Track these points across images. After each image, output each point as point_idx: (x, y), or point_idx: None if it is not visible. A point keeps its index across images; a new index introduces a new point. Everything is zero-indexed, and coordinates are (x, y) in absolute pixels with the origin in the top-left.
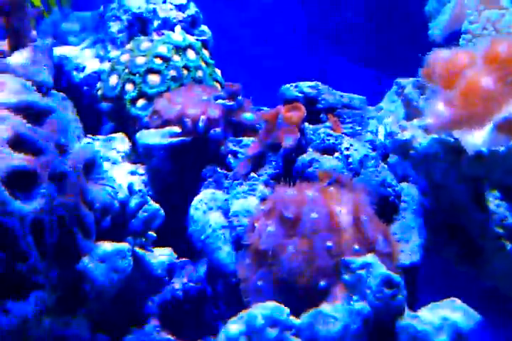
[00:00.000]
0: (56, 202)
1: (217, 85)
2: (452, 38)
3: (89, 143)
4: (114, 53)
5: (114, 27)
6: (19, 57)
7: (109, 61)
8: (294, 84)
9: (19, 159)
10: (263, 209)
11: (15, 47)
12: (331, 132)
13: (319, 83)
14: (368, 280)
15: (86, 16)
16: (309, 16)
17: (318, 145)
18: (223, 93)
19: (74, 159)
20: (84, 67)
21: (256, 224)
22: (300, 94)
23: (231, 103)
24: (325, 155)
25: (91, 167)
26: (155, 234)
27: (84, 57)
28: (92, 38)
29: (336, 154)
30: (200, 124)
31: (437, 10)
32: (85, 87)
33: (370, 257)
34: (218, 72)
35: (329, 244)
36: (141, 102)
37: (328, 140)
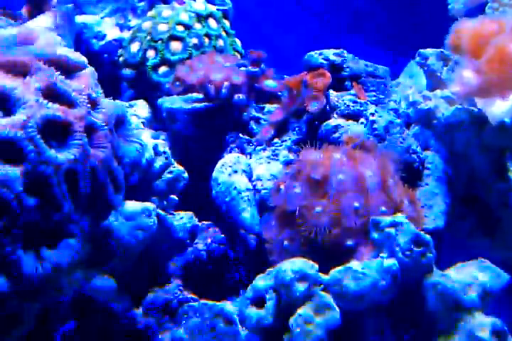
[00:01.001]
0: (89, 153)
1: (238, 55)
2: (473, 14)
3: None
4: (134, 22)
5: None
6: (42, 22)
7: (129, 29)
8: (318, 52)
9: (54, 109)
10: (288, 172)
11: (36, 13)
12: (356, 99)
13: (344, 51)
14: (397, 238)
15: None
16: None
17: (343, 112)
18: (246, 60)
19: (105, 113)
20: (104, 35)
21: (281, 187)
22: (325, 61)
23: (255, 69)
24: (350, 121)
25: (120, 123)
26: (177, 198)
27: (104, 26)
28: (112, 6)
29: (361, 120)
30: (224, 90)
31: None
32: (105, 55)
33: (399, 216)
34: (238, 42)
35: (356, 204)
36: (163, 69)
37: (353, 106)
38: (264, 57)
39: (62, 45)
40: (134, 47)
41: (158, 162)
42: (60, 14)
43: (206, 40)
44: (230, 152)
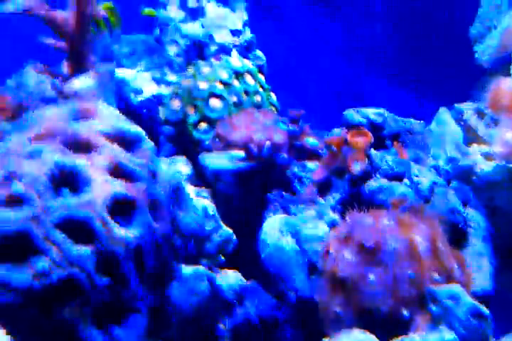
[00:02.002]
0: (153, 228)
1: (274, 109)
2: (499, 63)
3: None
4: (171, 77)
5: (172, 51)
6: (84, 82)
7: (167, 85)
8: (357, 110)
9: (120, 186)
10: (337, 235)
11: (76, 70)
12: (398, 159)
13: (383, 109)
14: (456, 311)
15: (136, 39)
16: (349, 39)
17: (386, 172)
18: (285, 118)
19: (164, 185)
20: (141, 91)
21: (330, 251)
22: (364, 120)
23: (295, 128)
24: (394, 182)
25: (178, 193)
26: (223, 257)
27: (141, 81)
28: (148, 61)
29: (405, 181)
30: (265, 149)
31: (482, 34)
32: (144, 110)
33: (456, 287)
34: (273, 96)
35: (410, 273)
36: (203, 126)
37: (396, 166)
38: (302, 115)
39: (121, 119)
40: (175, 104)
41: (209, 225)
42: (101, 73)
43: (244, 96)
44: (274, 211)
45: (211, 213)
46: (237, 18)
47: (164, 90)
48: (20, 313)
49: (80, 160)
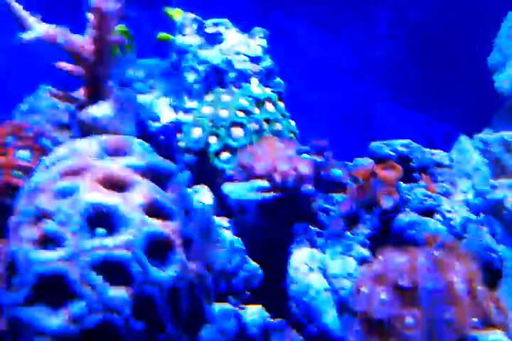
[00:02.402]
0: (187, 268)
1: (293, 136)
2: None
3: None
4: (190, 104)
5: (190, 77)
6: (104, 109)
7: (185, 111)
8: (384, 142)
9: (157, 226)
10: (369, 273)
11: (93, 95)
12: (428, 192)
13: (411, 141)
14: None
15: (151, 64)
16: (358, 61)
17: (417, 206)
18: (308, 147)
19: (196, 222)
20: (159, 117)
21: (362, 289)
22: (392, 153)
23: (321, 160)
24: (425, 217)
25: (208, 227)
26: (247, 292)
27: (158, 107)
28: (164, 86)
29: (437, 216)
30: (290, 180)
31: (502, 63)
32: (161, 136)
33: (498, 334)
34: (293, 123)
35: (449, 316)
36: (225, 155)
37: (426, 201)
38: (327, 145)
39: (150, 149)
40: (197, 132)
41: (235, 259)
42: (121, 100)
43: (265, 124)
44: (299, 243)
45: (238, 247)
46: (257, 45)
47: (182, 117)
48: None
49: (115, 199)
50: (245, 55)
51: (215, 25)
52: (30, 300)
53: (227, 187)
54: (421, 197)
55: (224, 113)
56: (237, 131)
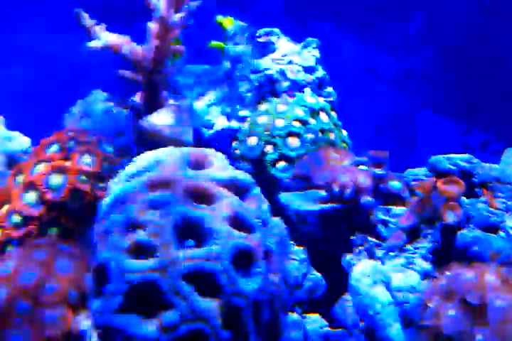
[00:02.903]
0: (269, 281)
1: (346, 146)
2: None
3: None
4: (243, 112)
5: (244, 86)
6: (165, 117)
7: (238, 120)
8: (446, 156)
9: (242, 238)
10: (436, 288)
11: (150, 102)
12: (491, 209)
13: (472, 156)
14: None
15: (198, 70)
16: (399, 69)
17: (480, 222)
18: (366, 158)
19: (275, 235)
20: (212, 124)
21: (429, 304)
22: (454, 167)
23: (381, 172)
24: (488, 234)
25: (282, 239)
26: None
27: (211, 114)
28: (214, 94)
29: (501, 233)
30: (349, 191)
31: None
32: (216, 143)
33: None
34: (345, 133)
35: None
36: (281, 164)
37: (490, 217)
38: (387, 157)
39: (230, 166)
40: (252, 141)
41: (302, 270)
42: (180, 109)
43: (320, 134)
44: (358, 255)
45: (302, 257)
46: (310, 55)
47: (235, 124)
48: None
49: (203, 211)
50: (298, 64)
51: (267, 34)
52: (123, 308)
53: (285, 197)
54: (484, 213)
55: (280, 122)
56: (294, 141)
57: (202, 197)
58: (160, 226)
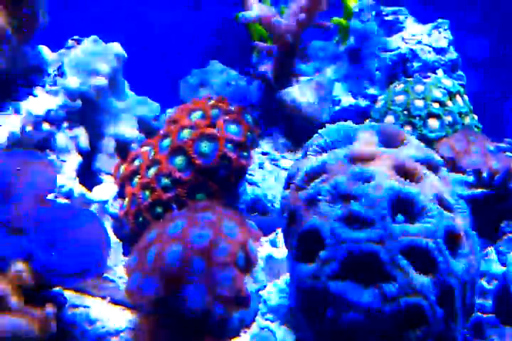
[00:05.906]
0: (472, 264)
1: (478, 131)
2: None
3: None
4: (371, 90)
5: (372, 64)
6: (305, 93)
7: (365, 97)
8: None
9: (451, 219)
10: None
11: (280, 75)
12: None
13: None
14: None
15: (316, 45)
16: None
17: None
18: (507, 145)
19: (465, 217)
20: (339, 101)
21: None
22: None
23: None
24: None
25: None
26: None
27: (335, 90)
28: (337, 70)
29: None
30: (498, 177)
31: None
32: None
33: None
34: (476, 117)
35: None
36: None
37: None
38: None
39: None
40: (389, 119)
41: None
42: (321, 86)
43: (458, 117)
44: (508, 242)
45: None
46: (441, 36)
47: (362, 102)
48: (364, 334)
49: (415, 188)
50: (428, 45)
51: (394, 13)
52: (340, 274)
53: None
54: None
55: (419, 103)
56: (434, 122)
57: (407, 174)
58: (373, 199)
